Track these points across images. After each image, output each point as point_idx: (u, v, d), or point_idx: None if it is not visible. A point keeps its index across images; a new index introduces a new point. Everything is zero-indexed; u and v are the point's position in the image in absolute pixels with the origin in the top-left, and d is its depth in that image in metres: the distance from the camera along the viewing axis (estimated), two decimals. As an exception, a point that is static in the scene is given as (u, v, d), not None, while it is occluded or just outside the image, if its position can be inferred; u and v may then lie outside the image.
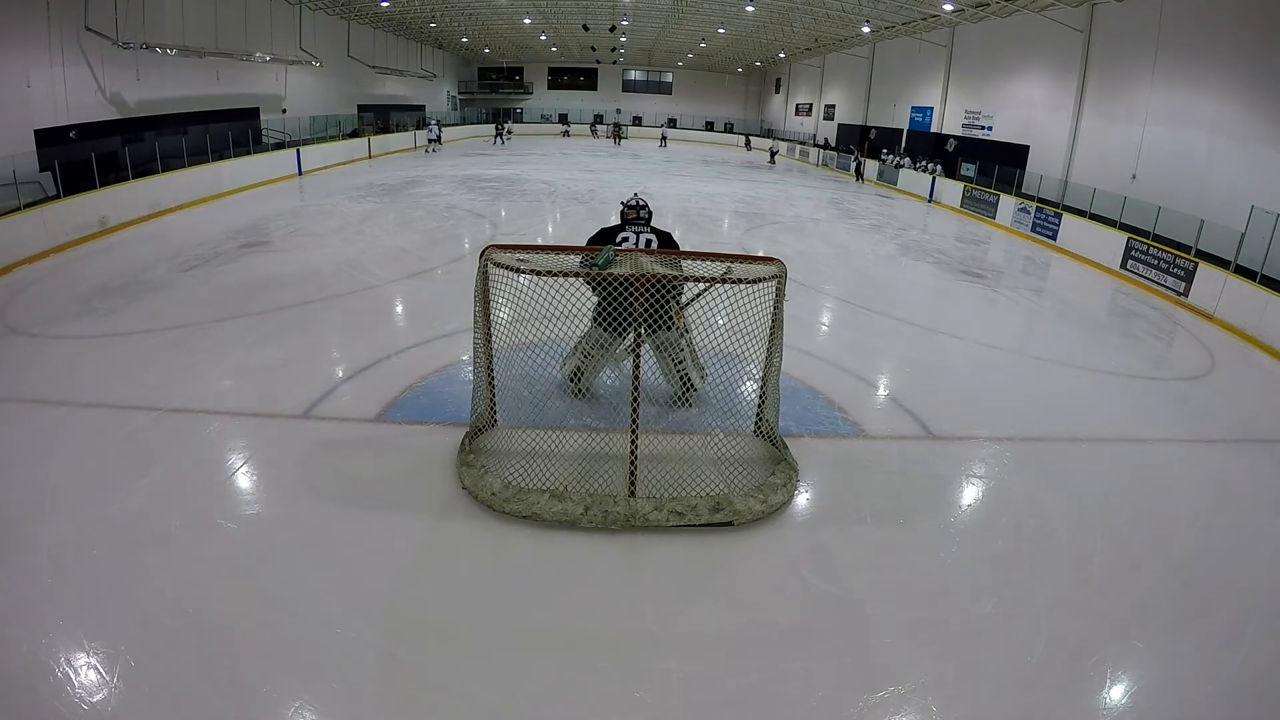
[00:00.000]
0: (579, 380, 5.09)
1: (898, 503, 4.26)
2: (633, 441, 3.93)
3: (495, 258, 4.06)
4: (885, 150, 24.54)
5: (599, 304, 4.37)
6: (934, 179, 19.87)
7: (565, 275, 4.00)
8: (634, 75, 44.57)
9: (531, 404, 4.79)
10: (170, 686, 2.69)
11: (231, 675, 2.76)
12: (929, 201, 19.70)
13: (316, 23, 22.27)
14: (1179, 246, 10.67)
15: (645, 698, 2.78)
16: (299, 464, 4.31)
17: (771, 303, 4.21)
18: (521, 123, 39.82)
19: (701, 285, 4.51)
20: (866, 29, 22.60)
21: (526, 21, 29.48)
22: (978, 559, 3.80)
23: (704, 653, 3.02)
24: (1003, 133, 19.16)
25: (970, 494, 4.50)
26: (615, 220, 5.22)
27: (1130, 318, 9.32)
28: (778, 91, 39.68)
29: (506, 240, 9.59)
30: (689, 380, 4.96)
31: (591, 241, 4.92)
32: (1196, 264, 9.94)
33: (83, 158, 10.94)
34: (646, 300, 4.02)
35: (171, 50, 15.18)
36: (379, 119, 26.78)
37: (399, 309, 7.79)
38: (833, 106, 31.33)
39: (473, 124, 35.95)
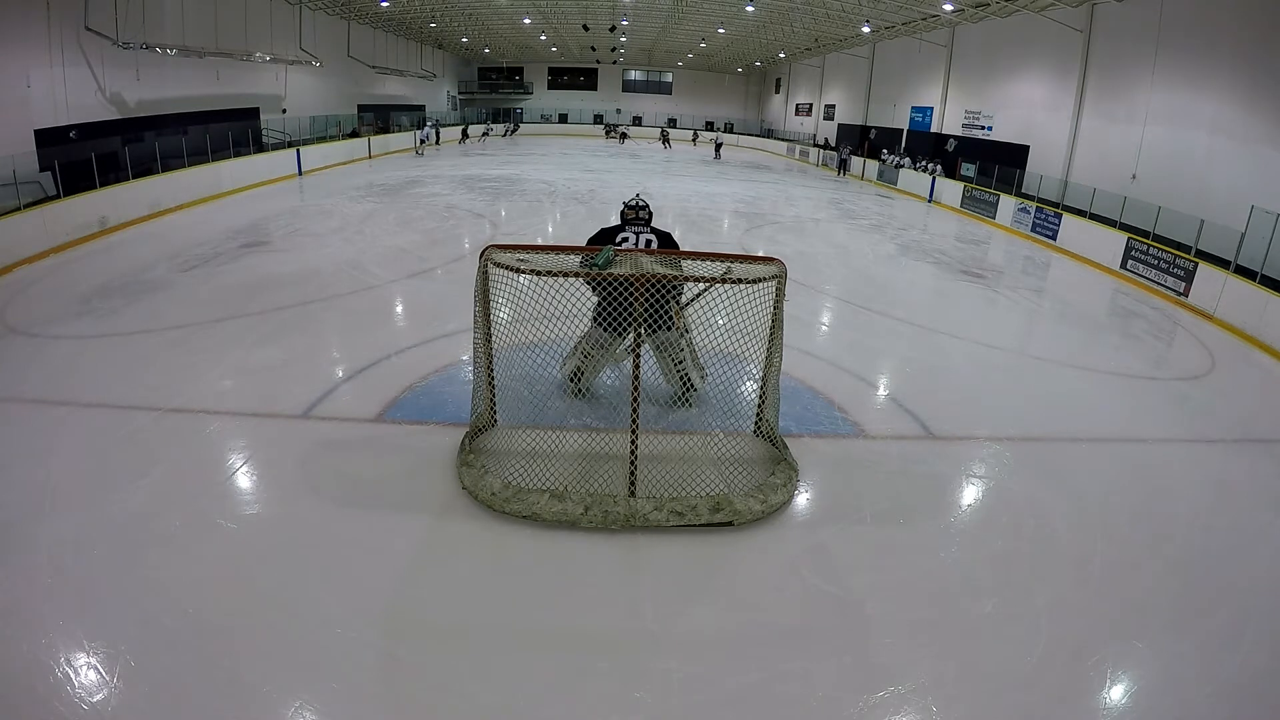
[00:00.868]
0: (579, 380, 5.09)
1: (898, 503, 4.26)
2: (633, 441, 3.93)
3: (495, 258, 4.06)
4: (885, 150, 24.54)
5: (599, 304, 4.37)
6: (934, 179, 19.87)
7: (565, 275, 4.00)
8: (634, 75, 44.58)
9: (531, 404, 4.79)
10: (170, 686, 2.69)
11: (231, 675, 2.76)
12: (929, 201, 19.70)
13: (316, 23, 22.27)
14: (1179, 246, 10.67)
15: (645, 698, 2.78)
16: (299, 464, 4.31)
17: (771, 303, 4.21)
18: (523, 122, 39.84)
19: (701, 285, 4.51)
20: (866, 29, 22.61)
21: (526, 21, 29.49)
22: (978, 559, 3.80)
23: (704, 653, 3.02)
24: (1003, 133, 19.16)
25: (970, 494, 4.50)
26: (615, 220, 5.22)
27: (1130, 318, 9.32)
28: (778, 91, 39.69)
29: (506, 240, 9.59)
30: (689, 380, 4.96)
31: (591, 242, 4.92)
32: (1196, 264, 9.94)
33: (83, 158, 10.94)
34: (646, 300, 4.02)
35: (171, 50, 15.18)
36: (379, 119, 26.78)
37: (399, 309, 7.79)
38: (833, 106, 31.33)
39: (470, 124, 35.94)
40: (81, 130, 12.80)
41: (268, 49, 19.32)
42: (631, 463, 3.94)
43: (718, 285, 4.02)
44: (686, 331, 4.93)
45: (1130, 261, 11.56)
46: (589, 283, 4.25)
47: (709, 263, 4.21)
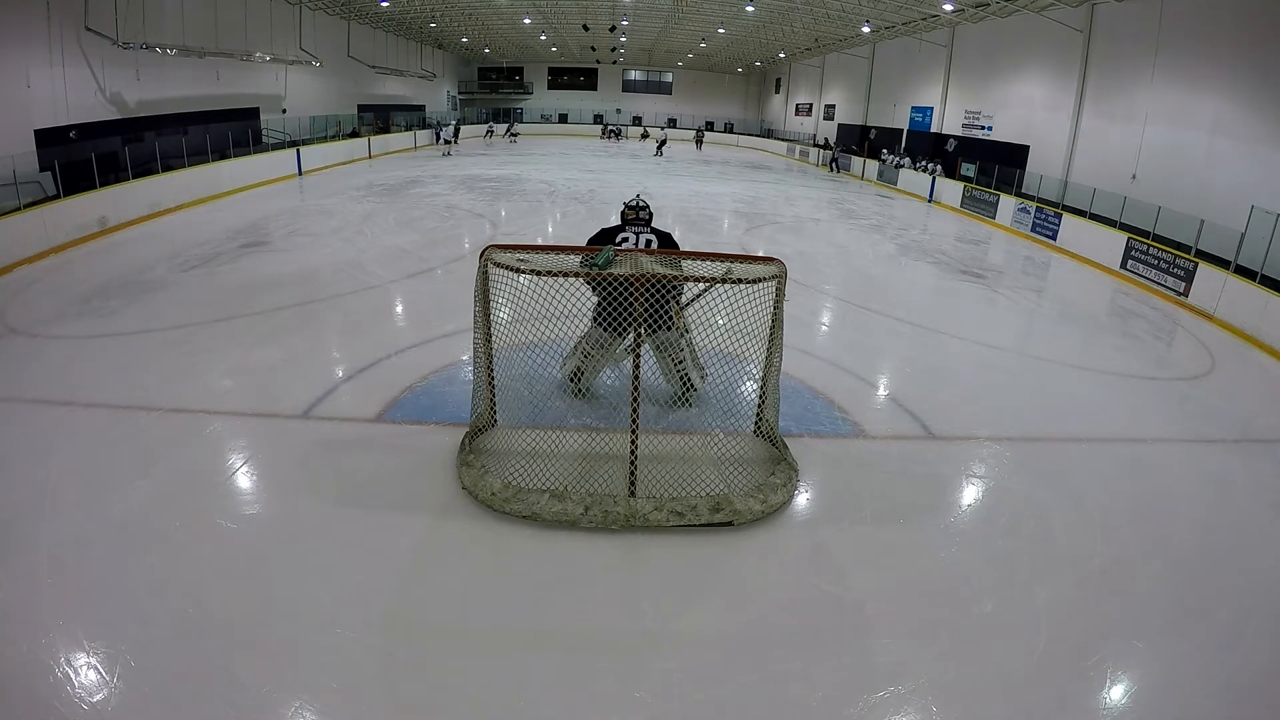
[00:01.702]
0: (579, 380, 5.09)
1: (898, 503, 4.26)
2: (633, 441, 3.93)
3: (495, 258, 4.06)
4: (886, 150, 24.54)
5: (599, 304, 4.37)
6: (934, 179, 19.87)
7: (565, 275, 4.00)
8: (634, 75, 44.58)
9: (531, 404, 4.79)
10: (170, 686, 2.69)
11: (231, 675, 2.76)
12: (929, 201, 19.69)
13: (316, 23, 22.27)
14: (1179, 246, 10.67)
15: (645, 698, 2.78)
16: (299, 464, 4.31)
17: (771, 303, 4.21)
18: (522, 122, 39.84)
19: (701, 285, 4.51)
20: (866, 29, 22.60)
21: (526, 21, 29.48)
22: (978, 559, 3.80)
23: (704, 653, 3.02)
24: (1003, 133, 19.16)
25: (970, 494, 4.50)
26: (615, 220, 5.22)
27: (1130, 318, 9.31)
28: (778, 91, 39.68)
29: (506, 240, 9.59)
30: (689, 380, 4.95)
31: (592, 241, 4.92)
32: (1196, 264, 9.94)
33: (83, 158, 10.94)
34: (646, 300, 4.02)
35: (171, 50, 15.18)
36: (379, 119, 26.80)
37: (399, 309, 7.79)
38: (833, 106, 31.32)
39: (472, 123, 36.01)
40: (81, 130, 12.79)
41: (268, 49, 19.31)
42: (631, 463, 3.94)
43: (718, 285, 4.02)
44: (686, 331, 4.93)
45: (1130, 261, 11.56)
46: (589, 283, 4.25)
47: (709, 263, 4.21)
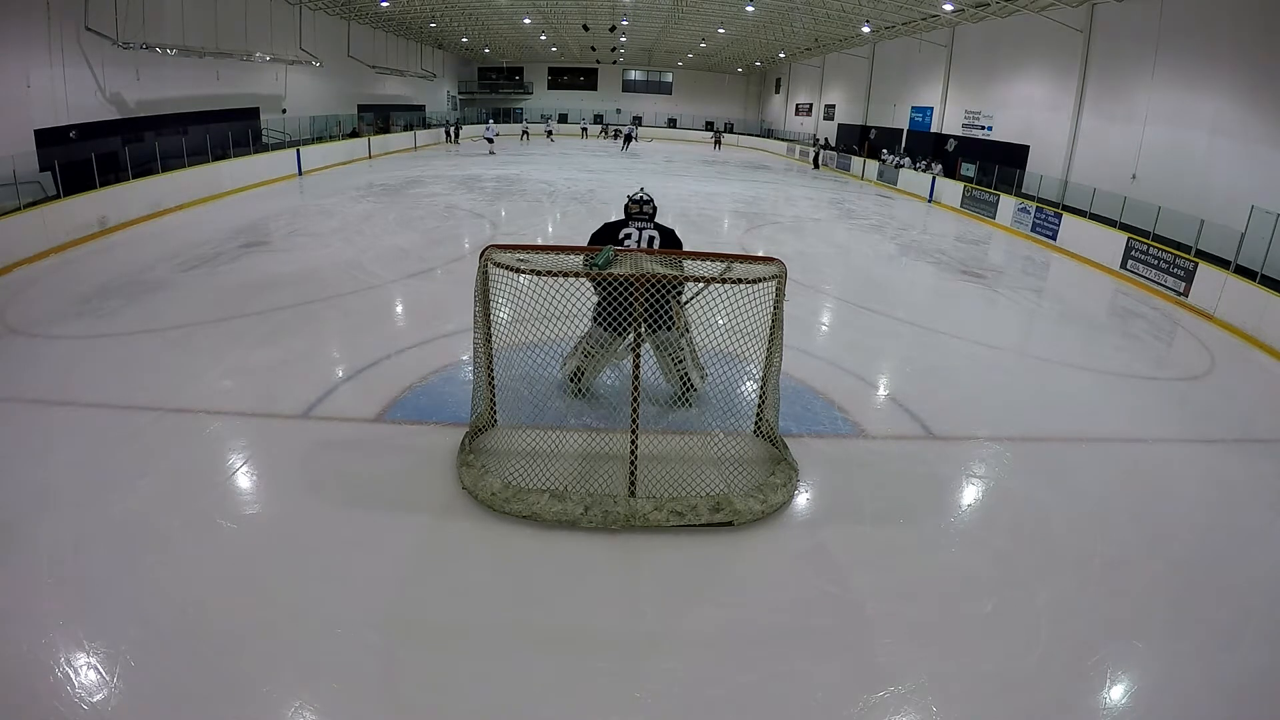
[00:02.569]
0: (580, 380, 5.08)
1: (898, 503, 4.26)
2: (633, 441, 3.93)
3: (495, 258, 4.06)
4: (886, 150, 24.55)
5: (599, 303, 4.37)
6: (934, 179, 19.87)
7: (565, 275, 3.99)
8: (634, 75, 44.58)
9: (531, 404, 4.79)
10: (170, 686, 2.69)
11: (231, 675, 2.76)
12: (929, 201, 19.70)
13: (316, 23, 22.27)
14: (1179, 246, 10.67)
15: (645, 698, 2.78)
16: (299, 464, 4.31)
17: (771, 303, 4.20)
18: (521, 122, 39.85)
19: (701, 284, 4.50)
20: (866, 29, 22.61)
21: (526, 21, 29.50)
22: (978, 559, 3.80)
23: (704, 653, 3.02)
24: (1003, 133, 19.16)
25: (970, 494, 4.50)
26: (617, 217, 5.22)
27: (1130, 318, 9.31)
28: (778, 91, 39.69)
29: (506, 240, 9.59)
30: (689, 380, 4.95)
31: (594, 237, 4.91)
32: (1196, 264, 9.94)
33: (83, 158, 10.94)
34: (646, 299, 4.02)
35: (171, 50, 15.18)
36: (379, 119, 26.82)
37: (399, 309, 7.79)
38: (833, 106, 31.33)
39: (472, 123, 36.07)
40: (81, 130, 12.80)
41: (268, 49, 19.32)
42: (631, 463, 3.94)
43: (717, 285, 4.02)
44: (687, 331, 4.92)
45: (1130, 261, 11.56)
46: (591, 281, 4.24)
47: (709, 262, 4.20)
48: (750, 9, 23.56)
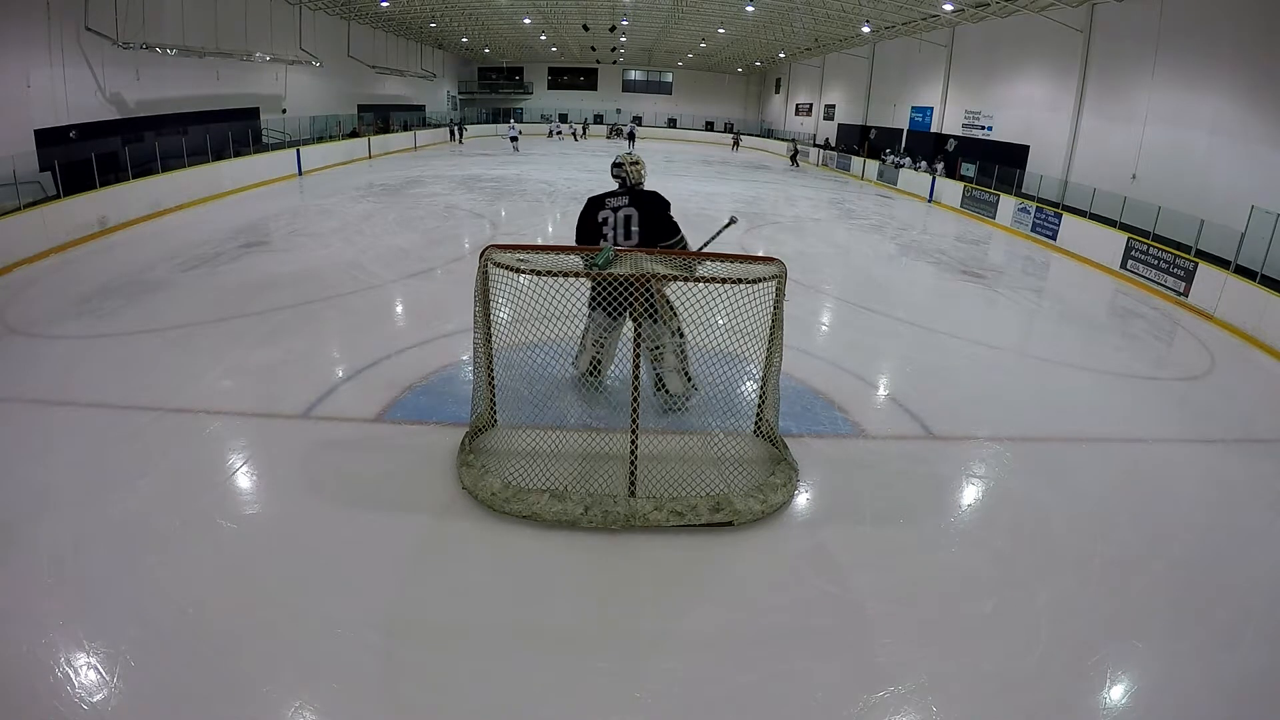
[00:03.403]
0: (599, 372, 5.00)
1: (898, 503, 4.25)
2: (633, 441, 3.93)
3: (495, 258, 4.06)
4: (888, 150, 24.54)
5: (592, 290, 4.31)
6: (934, 178, 19.87)
7: (565, 275, 3.99)
8: (634, 75, 44.57)
9: (531, 404, 4.78)
10: (170, 686, 2.69)
11: (231, 675, 2.76)
12: (929, 201, 19.70)
13: (316, 23, 22.27)
14: (1179, 246, 10.67)
15: (645, 698, 2.78)
16: (299, 464, 4.31)
17: (771, 303, 4.20)
18: (521, 122, 39.86)
19: (686, 262, 4.36)
20: (866, 29, 22.60)
21: (526, 21, 29.49)
22: (978, 559, 3.80)
23: (704, 653, 3.02)
24: (1003, 133, 19.16)
25: (970, 494, 4.50)
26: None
27: (1130, 318, 9.32)
28: (778, 91, 39.69)
29: (506, 240, 9.58)
30: (662, 383, 4.85)
31: (581, 216, 4.86)
32: (1196, 264, 9.94)
33: (83, 158, 10.94)
34: (629, 288, 3.95)
35: (171, 50, 15.18)
36: (379, 119, 26.83)
37: (399, 309, 7.79)
38: (833, 106, 31.32)
39: (473, 123, 36.12)
40: (81, 130, 12.80)
41: (268, 49, 19.31)
42: (631, 463, 3.94)
43: (718, 285, 4.01)
44: (679, 335, 4.78)
45: (1130, 261, 11.56)
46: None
47: (709, 262, 4.20)
48: (750, 9, 23.56)
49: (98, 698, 2.60)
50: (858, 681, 2.90)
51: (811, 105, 34.02)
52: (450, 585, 3.38)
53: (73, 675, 2.68)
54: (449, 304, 7.22)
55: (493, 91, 43.57)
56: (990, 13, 18.24)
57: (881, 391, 6.05)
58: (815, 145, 30.43)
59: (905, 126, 24.55)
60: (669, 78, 44.29)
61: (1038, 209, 14.79)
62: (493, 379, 4.55)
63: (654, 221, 4.77)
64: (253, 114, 19.18)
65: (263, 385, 5.38)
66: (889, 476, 4.57)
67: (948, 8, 18.38)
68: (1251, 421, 6.13)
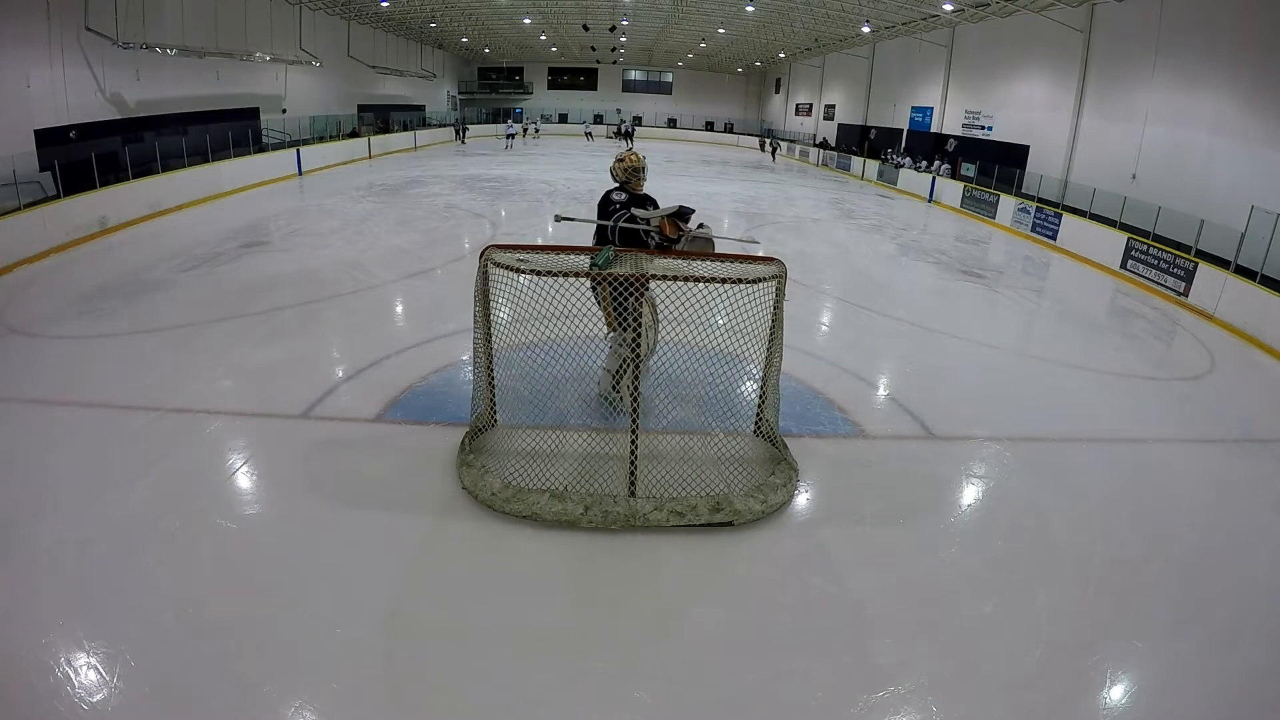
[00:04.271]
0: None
1: (898, 503, 4.25)
2: (633, 441, 3.93)
3: (495, 258, 4.06)
4: (890, 150, 24.53)
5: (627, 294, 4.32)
6: (934, 178, 19.86)
7: (565, 275, 3.99)
8: (634, 75, 44.56)
9: (531, 404, 4.79)
10: (170, 686, 2.69)
11: (231, 675, 2.76)
12: (929, 201, 19.70)
13: (316, 23, 22.26)
14: (1179, 246, 10.67)
15: (645, 698, 2.78)
16: (299, 464, 4.31)
17: (771, 303, 4.20)
18: (521, 122, 39.87)
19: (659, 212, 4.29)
20: (866, 29, 22.60)
21: (526, 21, 29.48)
22: (978, 559, 3.80)
23: (704, 653, 3.02)
24: (1003, 133, 19.16)
25: (970, 494, 4.50)
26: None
27: (1130, 318, 9.32)
28: (778, 91, 39.68)
29: (506, 240, 9.58)
30: (603, 382, 4.85)
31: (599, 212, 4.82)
32: (1196, 264, 9.94)
33: (83, 158, 10.94)
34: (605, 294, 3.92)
35: (171, 50, 15.17)
36: (379, 119, 26.83)
37: (399, 309, 7.79)
38: (833, 106, 31.32)
39: (475, 123, 36.12)
40: (81, 130, 12.79)
41: (267, 49, 19.31)
42: (631, 463, 3.94)
43: (718, 285, 4.01)
44: (631, 345, 4.42)
45: (1130, 261, 11.56)
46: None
47: (710, 262, 4.20)
48: (750, 9, 23.55)
49: (98, 698, 2.60)
50: (858, 681, 2.90)
51: (811, 105, 34.02)
52: (450, 585, 3.38)
53: (73, 675, 2.68)
54: (449, 304, 7.22)
55: (493, 91, 43.56)
56: (990, 13, 18.24)
57: (881, 391, 6.05)
58: (815, 145, 30.43)
59: (905, 126, 24.54)
60: (669, 78, 44.27)
61: (1038, 209, 14.78)
62: (493, 379, 4.55)
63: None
64: (253, 114, 19.17)
65: (263, 385, 5.38)
66: (889, 476, 4.57)
67: (948, 8, 18.38)
68: (1251, 421, 6.13)
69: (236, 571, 3.35)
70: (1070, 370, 6.92)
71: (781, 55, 33.83)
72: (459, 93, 40.79)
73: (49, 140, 11.90)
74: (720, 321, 4.41)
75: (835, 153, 27.91)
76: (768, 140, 34.38)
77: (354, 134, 23.61)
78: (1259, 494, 4.80)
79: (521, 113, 41.05)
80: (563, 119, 41.55)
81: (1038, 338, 8.41)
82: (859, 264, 11.42)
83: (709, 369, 5.11)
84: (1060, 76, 16.50)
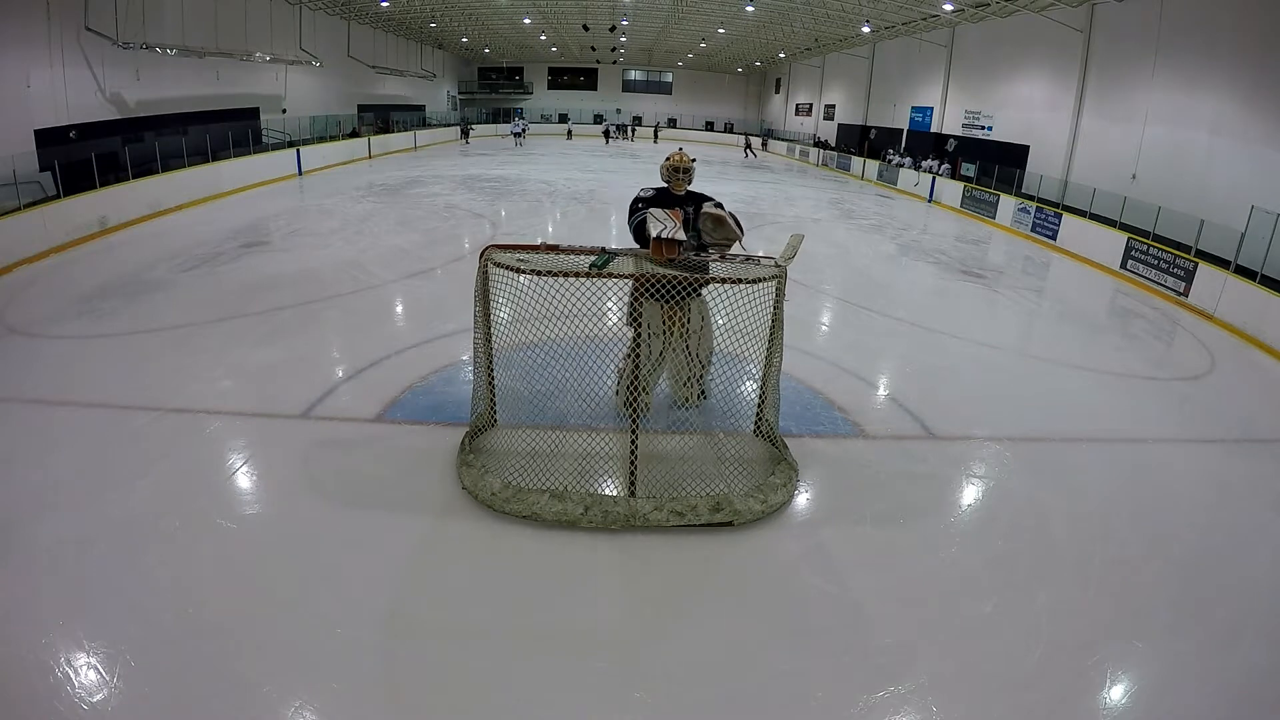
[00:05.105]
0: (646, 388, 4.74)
1: (898, 503, 4.25)
2: (633, 441, 3.93)
3: (495, 258, 4.06)
4: (891, 150, 24.53)
5: (632, 293, 4.27)
6: (934, 178, 19.86)
7: (565, 275, 3.99)
8: (634, 75, 44.57)
9: (531, 404, 4.79)
10: (170, 686, 2.68)
11: (231, 675, 2.76)
12: (929, 201, 19.70)
13: (316, 23, 22.27)
14: (1179, 246, 10.67)
15: (645, 698, 2.78)
16: (299, 464, 4.31)
17: (771, 303, 4.20)
18: (524, 119, 39.89)
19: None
20: (866, 29, 22.61)
21: (526, 21, 29.49)
22: (978, 559, 3.79)
23: (704, 653, 3.02)
24: (1003, 133, 19.16)
25: (970, 494, 4.50)
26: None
27: (1130, 318, 9.31)
28: (778, 91, 39.69)
29: (506, 240, 9.58)
30: (686, 386, 4.83)
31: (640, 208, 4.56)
32: (1196, 264, 9.94)
33: (83, 158, 10.94)
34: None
35: (171, 50, 15.17)
36: (379, 119, 26.84)
37: (399, 309, 7.79)
38: (833, 106, 31.33)
39: (475, 123, 36.13)
40: (81, 130, 12.79)
41: (267, 49, 19.31)
42: (631, 463, 3.94)
43: (718, 285, 4.02)
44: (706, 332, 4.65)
45: (1130, 261, 11.56)
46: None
47: (714, 261, 4.20)
48: (750, 9, 23.55)
49: (98, 698, 2.60)
50: (858, 681, 2.90)
51: (811, 105, 34.03)
52: (450, 585, 3.38)
53: (73, 675, 2.68)
54: (449, 304, 7.22)
55: (493, 91, 43.57)
56: (990, 13, 18.24)
57: (881, 391, 6.05)
58: (815, 145, 30.43)
59: (905, 126, 24.54)
60: (669, 78, 44.28)
61: (1038, 209, 14.78)
62: (493, 379, 4.55)
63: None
64: (253, 114, 19.18)
65: (262, 385, 5.38)
66: (889, 476, 4.56)
67: (948, 8, 18.39)
68: (1251, 421, 6.13)
69: (236, 571, 3.35)
70: (1070, 370, 6.92)
71: (781, 55, 33.84)
72: (459, 93, 40.79)
73: (49, 140, 11.91)
74: (720, 321, 4.42)
75: (835, 153, 27.91)
76: (744, 136, 35.59)
77: (354, 134, 23.61)
78: (1259, 494, 4.80)
79: (522, 112, 41.09)
80: (563, 119, 41.54)
81: (1038, 338, 8.41)
82: (859, 264, 11.42)
83: (709, 369, 5.12)
84: (1060, 76, 16.51)
